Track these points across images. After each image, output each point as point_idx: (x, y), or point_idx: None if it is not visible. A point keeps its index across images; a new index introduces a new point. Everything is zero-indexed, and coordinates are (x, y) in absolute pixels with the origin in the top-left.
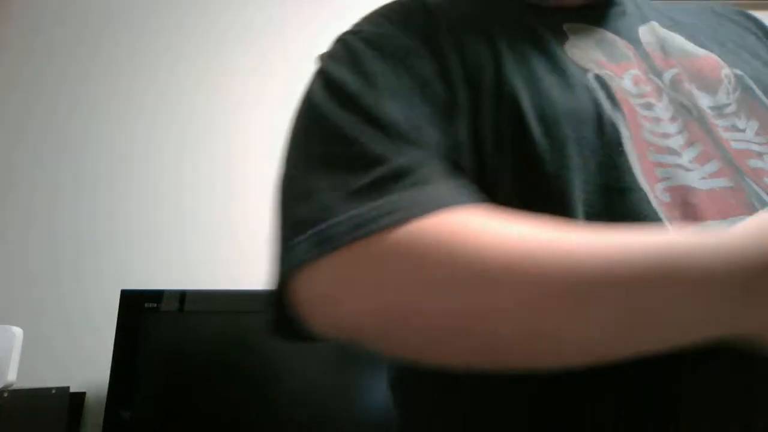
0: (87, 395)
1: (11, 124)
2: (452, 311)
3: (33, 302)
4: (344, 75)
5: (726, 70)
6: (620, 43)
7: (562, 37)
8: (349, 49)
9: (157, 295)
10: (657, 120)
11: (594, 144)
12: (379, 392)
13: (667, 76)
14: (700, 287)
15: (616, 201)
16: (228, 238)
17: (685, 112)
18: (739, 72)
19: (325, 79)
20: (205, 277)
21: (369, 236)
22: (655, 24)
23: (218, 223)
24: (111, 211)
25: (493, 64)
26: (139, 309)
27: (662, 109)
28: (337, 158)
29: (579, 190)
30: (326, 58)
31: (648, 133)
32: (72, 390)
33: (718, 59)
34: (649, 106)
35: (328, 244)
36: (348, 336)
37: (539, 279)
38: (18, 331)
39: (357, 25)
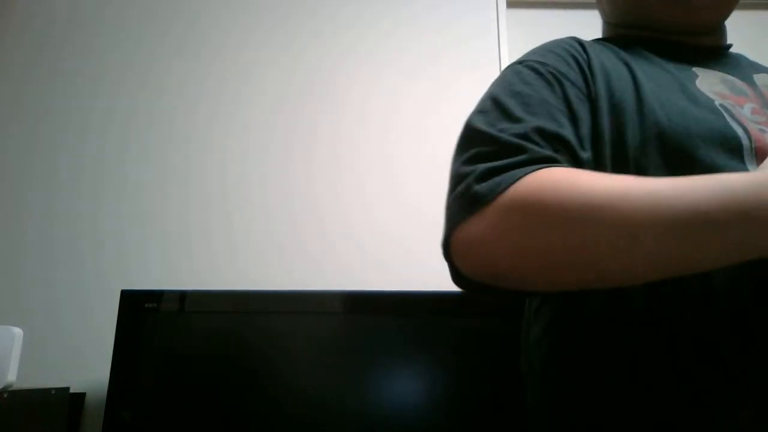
0: (87, 395)
1: (11, 122)
2: (565, 245)
3: (33, 302)
4: (520, 87)
5: None
6: (739, 83)
7: (691, 75)
8: (522, 70)
9: (157, 295)
10: None
11: (720, 149)
12: (379, 392)
13: None
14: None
15: None
16: (228, 239)
17: None
18: None
19: (516, 75)
20: (205, 277)
21: (502, 193)
22: (766, 75)
23: (218, 223)
24: (111, 211)
25: (633, 89)
26: (139, 309)
27: None
28: (493, 138)
29: None
30: (510, 70)
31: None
32: (72, 390)
33: None
34: (763, 131)
35: (475, 204)
36: (489, 273)
37: (635, 213)
38: (18, 331)
39: (526, 55)
